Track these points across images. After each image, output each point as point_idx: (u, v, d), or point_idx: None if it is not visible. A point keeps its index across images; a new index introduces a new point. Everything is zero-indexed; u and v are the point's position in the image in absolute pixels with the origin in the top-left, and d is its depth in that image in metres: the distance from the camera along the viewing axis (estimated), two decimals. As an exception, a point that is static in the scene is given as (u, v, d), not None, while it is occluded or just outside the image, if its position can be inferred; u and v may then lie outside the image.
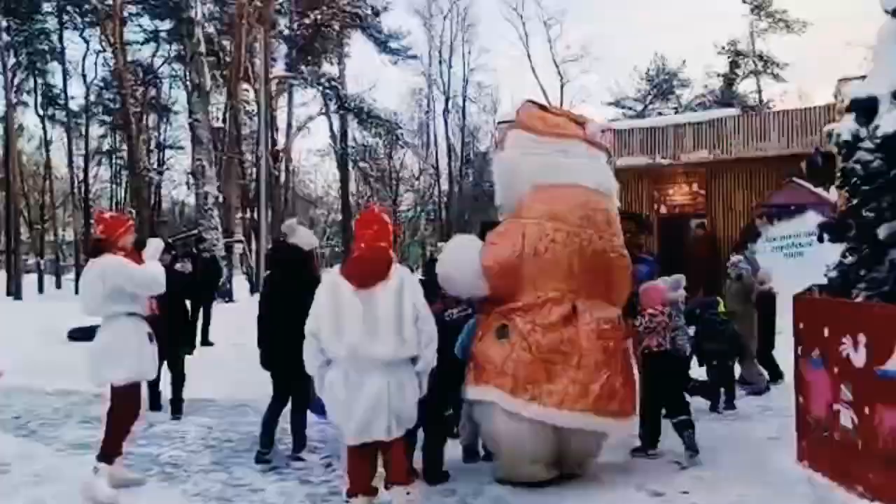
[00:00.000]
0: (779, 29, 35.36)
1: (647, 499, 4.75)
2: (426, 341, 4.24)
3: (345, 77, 30.79)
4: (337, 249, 35.98)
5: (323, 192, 41.94)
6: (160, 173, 36.39)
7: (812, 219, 12.06)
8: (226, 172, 21.46)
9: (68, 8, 27.62)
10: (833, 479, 4.76)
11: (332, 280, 4.29)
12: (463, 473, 5.34)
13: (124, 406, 5.06)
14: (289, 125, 31.99)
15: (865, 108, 4.83)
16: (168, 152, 37.12)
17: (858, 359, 4.45)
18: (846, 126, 4.94)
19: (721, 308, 7.56)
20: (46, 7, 27.34)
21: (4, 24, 26.27)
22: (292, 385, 5.68)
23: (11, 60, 26.88)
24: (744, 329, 7.73)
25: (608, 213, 5.41)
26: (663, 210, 15.39)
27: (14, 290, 21.38)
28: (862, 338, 4.42)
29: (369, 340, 4.07)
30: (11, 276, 22.62)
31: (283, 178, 31.99)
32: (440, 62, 34.68)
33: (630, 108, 39.51)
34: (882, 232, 4.88)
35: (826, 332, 4.81)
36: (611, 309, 5.24)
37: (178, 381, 7.46)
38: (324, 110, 32.13)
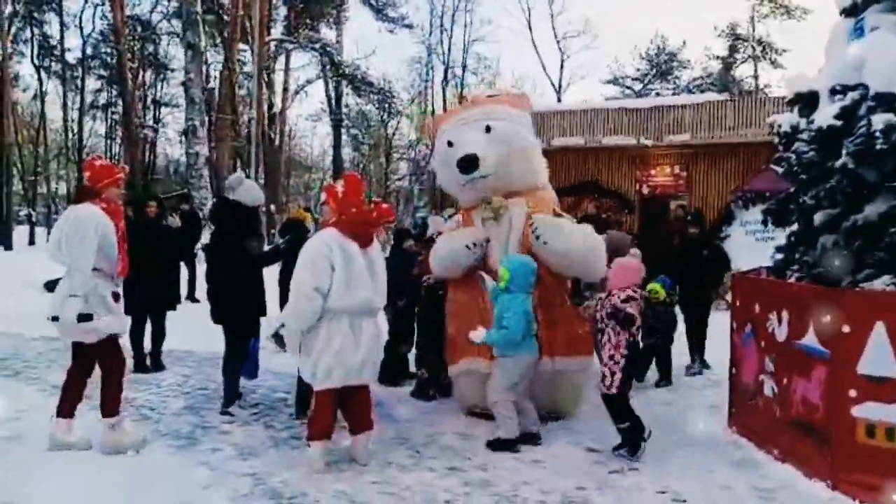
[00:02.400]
0: (779, 14, 35.38)
1: (582, 454, 5.13)
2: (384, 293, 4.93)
3: (342, 42, 30.82)
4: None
5: (319, 157, 42.08)
6: (155, 130, 36.46)
7: (785, 205, 12.43)
8: (219, 133, 21.64)
9: (67, -41, 27.44)
10: (756, 442, 5.17)
11: (337, 240, 4.65)
12: (415, 424, 5.77)
13: (108, 360, 4.99)
14: (285, 89, 32.04)
15: (807, 102, 5.13)
16: (164, 109, 37.13)
17: (781, 333, 4.82)
18: (787, 118, 5.24)
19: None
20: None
21: (2, -28, 26.11)
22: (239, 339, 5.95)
23: (8, 9, 26.73)
24: None
25: None
26: (645, 190, 15.69)
27: (4, 241, 21.59)
28: (785, 314, 4.79)
29: (374, 293, 4.72)
30: (2, 227, 22.80)
31: (277, 142, 32.14)
32: (441, 31, 34.66)
33: (629, 87, 39.62)
34: (817, 218, 5.20)
35: (757, 308, 5.19)
36: None
37: (159, 336, 7.68)
38: (320, 75, 32.14)
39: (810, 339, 4.46)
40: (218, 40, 27.96)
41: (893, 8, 4.89)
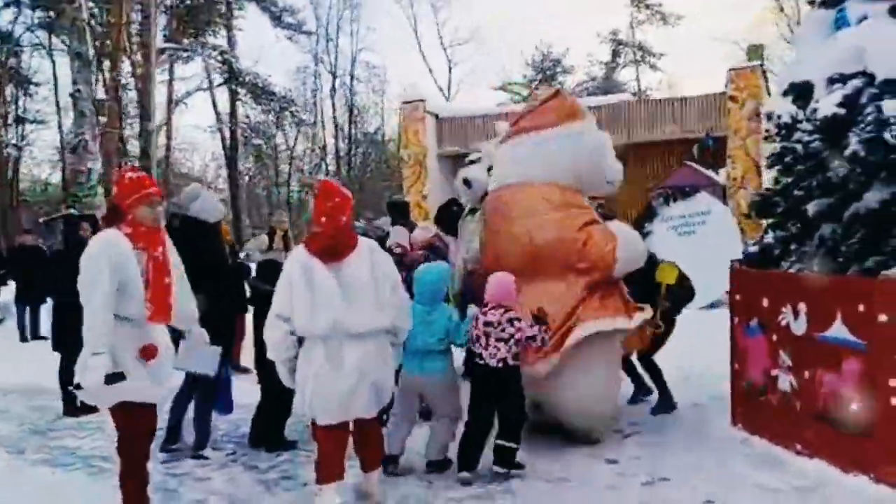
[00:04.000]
0: (656, 21, 37.28)
1: (604, 467, 4.85)
2: (403, 311, 4.24)
3: (237, 50, 29.55)
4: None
5: (200, 170, 40.20)
6: (19, 149, 33.53)
7: (704, 199, 12.75)
8: (106, 147, 20.06)
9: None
10: (770, 439, 5.06)
11: (299, 259, 4.05)
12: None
13: (126, 431, 3.88)
14: (169, 100, 30.33)
15: (801, 92, 5.11)
16: (29, 126, 34.16)
17: (799, 326, 4.74)
18: (785, 108, 5.19)
19: None
20: None
21: None
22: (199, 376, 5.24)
23: None
24: None
25: None
26: (563, 191, 15.79)
27: None
28: (802, 306, 4.70)
29: (348, 312, 3.95)
30: None
31: (161, 154, 30.36)
32: (328, 40, 33.92)
33: (517, 94, 40.36)
34: (811, 209, 5.18)
35: (765, 302, 5.09)
36: None
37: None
38: (206, 85, 30.66)
39: (839, 331, 4.39)
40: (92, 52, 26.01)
41: (878, -5, 4.93)
